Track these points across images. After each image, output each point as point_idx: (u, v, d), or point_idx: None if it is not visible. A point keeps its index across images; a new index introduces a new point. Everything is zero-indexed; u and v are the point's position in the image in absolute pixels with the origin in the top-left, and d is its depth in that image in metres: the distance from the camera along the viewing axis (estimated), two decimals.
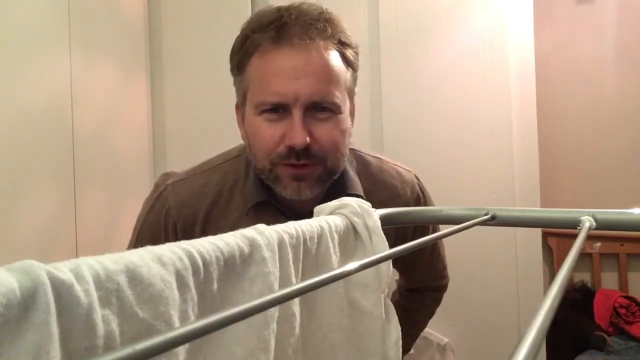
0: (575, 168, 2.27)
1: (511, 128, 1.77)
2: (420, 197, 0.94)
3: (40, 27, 1.35)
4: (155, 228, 0.86)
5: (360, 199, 0.55)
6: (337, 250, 0.50)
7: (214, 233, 0.38)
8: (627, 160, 2.21)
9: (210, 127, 1.82)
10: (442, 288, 1.09)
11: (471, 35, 1.78)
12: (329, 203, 0.56)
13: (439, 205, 0.99)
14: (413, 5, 1.81)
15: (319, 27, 0.75)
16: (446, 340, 1.72)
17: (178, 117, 1.89)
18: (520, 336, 0.21)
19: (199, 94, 1.87)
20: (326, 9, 0.79)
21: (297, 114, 0.74)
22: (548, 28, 2.24)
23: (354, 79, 0.83)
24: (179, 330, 0.19)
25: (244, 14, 1.75)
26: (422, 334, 1.66)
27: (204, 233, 0.83)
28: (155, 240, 0.70)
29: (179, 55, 1.89)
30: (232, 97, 0.86)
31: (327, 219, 0.51)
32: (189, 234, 0.84)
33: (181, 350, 0.34)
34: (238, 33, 0.81)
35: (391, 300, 0.59)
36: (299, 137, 0.73)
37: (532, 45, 1.77)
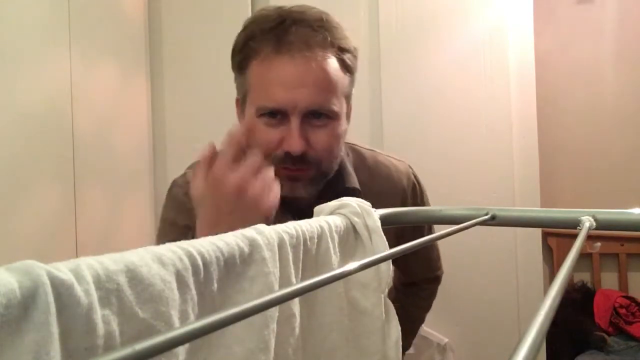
0: (575, 168, 2.27)
1: (511, 128, 1.77)
2: (416, 185, 0.96)
3: (40, 27, 1.35)
4: (182, 210, 0.85)
5: (360, 199, 0.56)
6: (337, 250, 0.50)
7: None
8: (627, 160, 2.21)
9: (210, 127, 1.81)
10: (437, 279, 1.11)
11: (471, 35, 1.78)
12: (328, 203, 0.56)
13: (438, 204, 1.00)
14: (413, 5, 1.81)
15: (319, 38, 0.76)
16: (446, 340, 1.72)
17: (178, 117, 1.89)
18: (520, 336, 0.21)
19: (199, 94, 1.87)
20: (326, 14, 0.79)
21: (294, 121, 0.76)
22: (548, 28, 2.24)
23: (352, 81, 0.84)
24: (179, 330, 0.19)
25: (244, 14, 1.75)
26: (422, 333, 1.67)
27: None
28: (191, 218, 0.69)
29: (179, 55, 1.89)
30: (232, 97, 0.86)
31: (327, 219, 0.51)
32: None
33: (181, 350, 0.34)
34: (238, 33, 0.81)
35: (388, 297, 0.59)
36: (296, 145, 0.76)
37: (532, 45, 1.77)
